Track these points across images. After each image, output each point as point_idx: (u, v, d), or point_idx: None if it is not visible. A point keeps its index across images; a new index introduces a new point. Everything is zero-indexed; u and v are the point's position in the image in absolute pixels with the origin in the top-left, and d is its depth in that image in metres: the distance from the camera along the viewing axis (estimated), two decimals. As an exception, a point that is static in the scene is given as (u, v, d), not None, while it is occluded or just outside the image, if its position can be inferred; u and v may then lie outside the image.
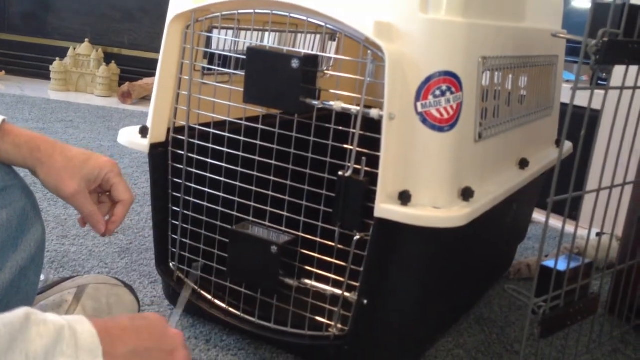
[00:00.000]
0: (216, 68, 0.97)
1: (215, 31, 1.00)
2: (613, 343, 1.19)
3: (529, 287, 1.37)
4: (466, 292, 1.19)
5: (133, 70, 3.16)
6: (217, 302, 1.00)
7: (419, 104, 0.83)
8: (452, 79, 0.84)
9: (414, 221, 0.80)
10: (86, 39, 3.10)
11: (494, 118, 1.00)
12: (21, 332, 0.45)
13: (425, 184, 0.84)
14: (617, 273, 1.22)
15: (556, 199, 0.89)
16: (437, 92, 0.83)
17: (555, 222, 1.86)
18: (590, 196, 1.07)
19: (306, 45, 1.34)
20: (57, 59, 3.06)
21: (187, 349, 0.62)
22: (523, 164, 1.10)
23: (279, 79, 0.85)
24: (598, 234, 1.65)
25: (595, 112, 1.02)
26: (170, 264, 1.04)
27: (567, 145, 1.36)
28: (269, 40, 1.12)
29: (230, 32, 1.00)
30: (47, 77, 3.08)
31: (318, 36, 1.35)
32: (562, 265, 1.01)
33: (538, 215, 1.73)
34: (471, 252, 1.06)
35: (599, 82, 1.96)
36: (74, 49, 3.09)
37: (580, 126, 1.05)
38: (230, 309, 0.99)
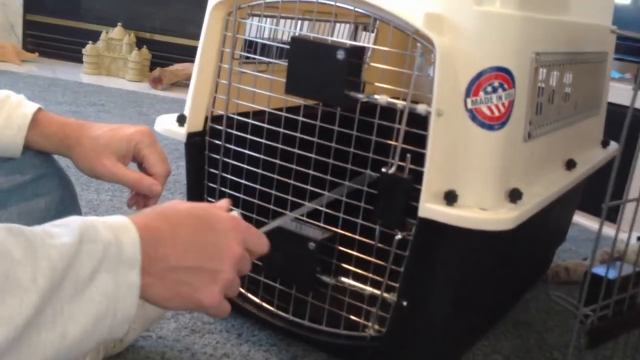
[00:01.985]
0: (257, 57, 0.94)
1: (256, 19, 0.97)
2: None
3: (569, 292, 1.33)
4: (505, 295, 1.15)
5: (164, 56, 3.15)
6: (250, 296, 0.98)
7: (469, 100, 0.79)
8: (504, 75, 0.80)
9: (460, 222, 0.77)
10: (119, 23, 3.10)
11: (543, 117, 0.95)
12: (74, 259, 0.46)
13: (472, 184, 0.80)
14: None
15: (611, 204, 0.85)
16: (489, 89, 0.79)
17: (593, 223, 1.81)
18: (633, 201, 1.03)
19: (337, 36, 1.31)
20: (90, 42, 3.07)
21: (235, 272, 0.56)
22: (570, 164, 1.06)
23: (323, 70, 0.82)
24: (639, 238, 1.60)
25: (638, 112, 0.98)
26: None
27: (615, 147, 1.31)
28: (303, 30, 1.09)
29: (269, 20, 0.97)
30: (79, 60, 3.09)
31: (348, 26, 1.32)
32: (612, 273, 0.97)
33: (576, 217, 1.68)
34: (513, 254, 1.02)
35: (644, 80, 1.90)
36: (107, 32, 3.09)
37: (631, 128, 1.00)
38: (264, 304, 0.97)
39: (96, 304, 0.46)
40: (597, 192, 1.28)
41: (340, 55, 0.80)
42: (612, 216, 1.93)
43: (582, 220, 1.78)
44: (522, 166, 0.88)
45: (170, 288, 0.52)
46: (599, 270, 0.94)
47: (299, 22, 1.10)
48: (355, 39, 1.34)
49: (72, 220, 0.48)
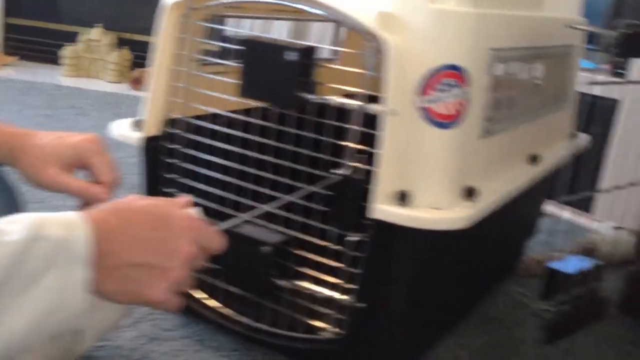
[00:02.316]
0: (211, 59, 0.93)
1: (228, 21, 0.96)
2: (623, 346, 1.14)
3: (539, 287, 1.32)
4: (470, 292, 1.14)
5: (146, 56, 3.12)
6: (210, 302, 0.97)
7: (420, 99, 0.78)
8: (458, 73, 0.79)
9: (412, 223, 0.76)
10: (99, 24, 3.07)
11: (502, 113, 0.95)
12: (22, 256, 0.48)
13: (425, 184, 0.79)
14: (630, 272, 1.17)
15: (568, 199, 0.84)
16: (441, 87, 0.78)
17: (570, 215, 1.81)
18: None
19: (317, 35, 1.30)
20: (68, 44, 3.04)
21: (187, 270, 0.57)
22: (534, 159, 1.05)
23: (275, 72, 0.80)
24: (615, 229, 1.60)
25: (613, 102, 0.97)
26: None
27: (585, 138, 1.31)
28: (279, 30, 1.08)
29: (232, 21, 0.96)
30: (58, 62, 3.07)
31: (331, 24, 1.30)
32: (571, 267, 0.97)
33: (551, 208, 1.68)
34: (475, 251, 1.01)
35: (618, 71, 1.89)
36: (86, 34, 3.06)
37: (598, 118, 1.00)
38: (223, 310, 0.96)
39: (45, 299, 0.48)
40: (573, 184, 1.28)
41: (291, 56, 0.79)
42: (586, 206, 1.93)
43: (557, 211, 1.78)
44: (479, 163, 0.88)
45: (120, 283, 0.54)
46: (557, 264, 0.94)
47: (275, 22, 1.09)
48: (337, 39, 1.33)
49: (23, 218, 0.50)
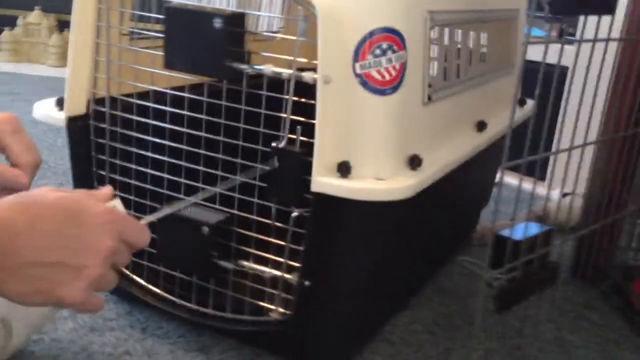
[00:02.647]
0: (137, 30, 0.87)
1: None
2: (577, 309, 1.14)
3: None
4: (423, 264, 1.12)
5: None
6: (150, 287, 0.93)
7: (357, 65, 0.74)
8: (393, 36, 0.75)
9: (354, 195, 0.73)
10: (37, 7, 2.93)
11: (445, 79, 0.92)
12: None
13: (367, 154, 0.76)
14: (580, 237, 1.17)
15: (508, 165, 0.82)
16: (377, 51, 0.75)
17: (523, 183, 1.81)
18: (558, 157, 1.02)
19: (267, 5, 1.25)
20: (7, 28, 2.90)
21: (106, 267, 0.53)
22: (481, 126, 1.03)
23: (202, 41, 0.76)
24: (564, 195, 1.60)
25: (562, 69, 0.96)
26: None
27: (530, 104, 1.29)
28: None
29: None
30: (-3, 48, 2.93)
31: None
32: (519, 234, 0.95)
33: (506, 177, 1.67)
34: (424, 222, 0.99)
35: (568, 38, 1.89)
36: (24, 17, 2.93)
37: (544, 83, 0.98)
38: (165, 295, 0.92)
39: None
40: (526, 151, 1.26)
41: (218, 23, 0.74)
42: (540, 175, 1.93)
43: (512, 180, 1.78)
44: (423, 131, 0.85)
45: (27, 284, 0.49)
46: (507, 232, 0.92)
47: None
48: (283, 9, 1.28)
49: None
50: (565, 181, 1.09)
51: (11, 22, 2.95)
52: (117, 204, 0.59)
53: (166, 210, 0.73)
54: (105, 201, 0.58)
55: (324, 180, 0.73)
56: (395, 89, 0.76)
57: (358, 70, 0.75)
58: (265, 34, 1.19)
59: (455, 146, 0.92)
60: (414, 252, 1.00)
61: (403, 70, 0.77)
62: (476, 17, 1.01)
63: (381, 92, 0.76)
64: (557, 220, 1.45)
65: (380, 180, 0.75)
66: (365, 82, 0.75)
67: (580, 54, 0.91)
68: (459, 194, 1.11)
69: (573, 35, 1.92)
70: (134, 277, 0.94)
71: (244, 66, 0.77)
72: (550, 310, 1.08)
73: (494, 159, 1.25)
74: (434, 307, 1.09)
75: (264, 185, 0.80)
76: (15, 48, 2.91)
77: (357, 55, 0.74)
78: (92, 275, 0.52)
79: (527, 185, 1.70)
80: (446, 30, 0.90)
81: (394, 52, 0.75)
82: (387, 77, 0.76)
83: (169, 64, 0.78)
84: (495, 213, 1.28)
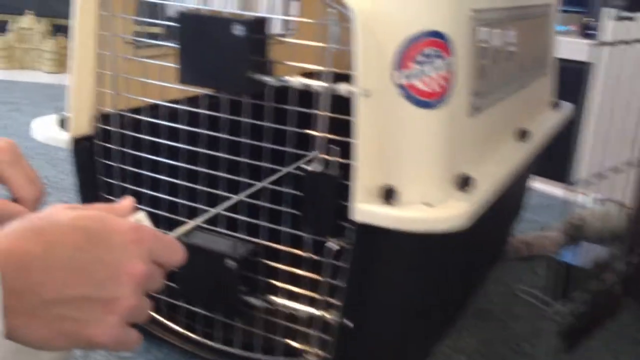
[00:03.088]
0: (144, 40, 0.78)
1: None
2: (634, 335, 1.04)
3: (530, 269, 1.22)
4: (463, 288, 1.03)
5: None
6: (170, 324, 0.84)
7: (398, 74, 0.65)
8: (439, 41, 0.66)
9: (403, 225, 0.63)
10: (30, 11, 2.83)
11: (489, 85, 0.82)
12: None
13: (413, 176, 0.67)
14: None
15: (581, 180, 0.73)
16: (422, 58, 0.65)
17: (550, 188, 1.72)
18: (586, 162, 0.92)
19: (266, 6, 1.15)
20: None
21: (139, 296, 0.45)
22: (522, 134, 0.94)
23: (220, 51, 0.66)
24: (597, 201, 1.51)
25: (586, 66, 0.87)
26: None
27: (567, 107, 1.20)
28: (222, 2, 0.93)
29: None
30: (-10, 55, 2.82)
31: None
32: (580, 258, 0.86)
33: (532, 182, 1.58)
34: (469, 244, 0.90)
35: (588, 32, 1.80)
36: (16, 22, 2.82)
37: (577, 83, 0.89)
38: (186, 333, 0.82)
39: None
40: (553, 155, 1.17)
41: (239, 30, 0.64)
42: (567, 178, 1.84)
43: (539, 185, 1.69)
44: (469, 145, 0.75)
45: (50, 326, 0.42)
46: (568, 256, 0.82)
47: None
48: (287, 10, 1.18)
49: None
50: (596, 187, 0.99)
51: (2, 28, 2.85)
52: (142, 217, 0.50)
53: (190, 225, 0.64)
54: (127, 215, 0.50)
55: (366, 208, 0.64)
56: (442, 100, 0.67)
57: (400, 81, 0.65)
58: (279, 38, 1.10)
59: (501, 160, 0.83)
60: (456, 278, 0.91)
61: (451, 79, 0.68)
62: (516, 15, 0.92)
63: (427, 105, 0.66)
64: (594, 230, 1.36)
65: (430, 207, 0.66)
66: (409, 93, 0.66)
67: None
68: (498, 209, 1.01)
69: (592, 28, 1.83)
70: (151, 313, 0.85)
71: (268, 78, 0.67)
72: (606, 336, 0.98)
73: (529, 168, 1.16)
74: (474, 334, 1.00)
75: (296, 212, 0.70)
76: (8, 54, 2.81)
77: (399, 63, 0.65)
78: (124, 307, 0.44)
79: (555, 190, 1.60)
80: (489, 30, 0.81)
81: (440, 58, 0.66)
82: (433, 88, 0.66)
83: (184, 78, 0.68)
84: (530, 222, 1.17)
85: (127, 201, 0.50)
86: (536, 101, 1.09)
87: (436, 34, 0.66)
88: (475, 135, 0.77)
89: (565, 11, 1.90)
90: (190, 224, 0.61)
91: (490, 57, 0.81)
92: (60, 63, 2.80)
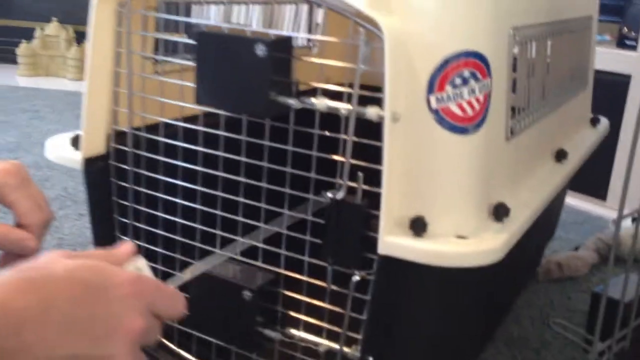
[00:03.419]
0: (159, 57, 0.74)
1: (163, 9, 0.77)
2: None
3: (562, 290, 1.16)
4: (494, 317, 0.98)
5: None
6: (182, 353, 0.80)
7: (433, 98, 0.61)
8: (476, 61, 0.61)
9: (434, 260, 0.59)
10: (54, 18, 2.84)
11: (527, 105, 0.77)
12: None
13: (445, 206, 0.62)
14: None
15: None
16: (458, 81, 0.61)
17: (582, 203, 1.65)
18: (619, 174, 0.86)
19: (290, 21, 1.12)
20: (24, 41, 2.81)
21: (135, 353, 0.42)
22: (560, 155, 0.88)
23: (241, 72, 0.62)
24: (634, 219, 1.44)
25: (623, 78, 0.81)
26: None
27: (604, 123, 1.14)
28: (239, 17, 0.89)
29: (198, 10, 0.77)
30: (15, 61, 2.84)
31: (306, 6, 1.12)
32: (618, 290, 0.80)
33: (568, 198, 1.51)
34: (502, 274, 0.84)
35: (625, 42, 1.73)
36: (42, 29, 2.83)
37: (612, 95, 0.83)
38: (200, 363, 0.78)
39: None
40: (584, 168, 1.11)
41: (261, 50, 0.60)
42: (601, 193, 1.76)
43: (571, 201, 1.62)
44: (505, 171, 0.70)
45: None
46: (608, 289, 0.77)
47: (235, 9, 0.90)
48: (311, 26, 1.15)
49: None
50: (628, 200, 0.93)
51: (28, 35, 2.85)
52: (141, 264, 0.47)
53: (200, 268, 0.60)
54: (127, 261, 0.47)
55: (394, 241, 0.59)
56: (478, 125, 0.62)
57: (434, 105, 0.61)
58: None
59: (538, 185, 0.77)
60: (486, 308, 0.86)
61: (487, 102, 0.63)
62: (556, 29, 0.86)
63: (462, 130, 0.61)
64: (629, 249, 1.29)
65: (463, 240, 0.61)
66: (443, 118, 0.61)
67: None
68: (532, 234, 0.96)
69: (630, 38, 1.76)
70: (163, 340, 0.81)
71: (291, 101, 0.63)
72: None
73: (566, 187, 1.10)
74: (505, 363, 0.94)
75: (317, 241, 0.66)
76: (34, 62, 2.82)
77: (433, 86, 0.60)
78: None
79: (589, 206, 1.53)
80: (529, 47, 0.76)
81: (477, 80, 0.61)
82: (469, 112, 0.61)
83: (201, 99, 0.65)
84: (561, 241, 1.12)
85: (127, 246, 0.47)
86: (575, 118, 1.03)
87: (474, 54, 0.61)
88: (512, 159, 0.72)
89: (600, 20, 1.84)
90: (193, 270, 0.57)
91: (528, 76, 0.76)
92: (84, 70, 2.80)
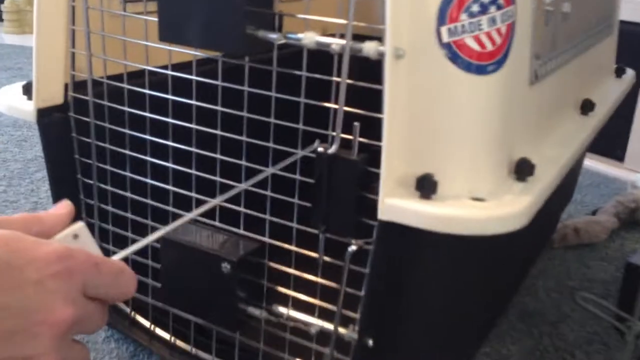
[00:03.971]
0: (122, -12, 0.63)
1: None
2: None
3: (579, 259, 1.07)
4: (507, 288, 0.88)
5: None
6: (157, 332, 0.71)
7: (444, 30, 0.50)
8: (498, -16, 0.50)
9: (445, 227, 0.49)
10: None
11: (552, 46, 0.66)
12: None
13: (458, 162, 0.52)
14: None
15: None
16: (475, 8, 0.49)
17: (598, 164, 1.54)
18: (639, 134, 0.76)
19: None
20: (9, -4, 2.67)
21: (64, 349, 0.34)
22: (586, 107, 0.78)
23: (212, 2, 0.51)
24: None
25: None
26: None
27: (630, 74, 1.03)
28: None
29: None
30: (0, 18, 2.71)
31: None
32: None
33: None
34: (517, 241, 0.74)
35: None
36: (27, -17, 2.69)
37: (634, 50, 0.72)
38: (177, 342, 0.69)
39: None
40: (604, 128, 1.00)
41: (234, -28, 0.49)
42: (618, 154, 1.64)
43: (588, 162, 1.51)
44: (528, 122, 0.60)
45: None
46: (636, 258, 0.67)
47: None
48: None
49: None
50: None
51: (13, -10, 2.71)
52: (81, 230, 0.37)
53: (157, 234, 0.50)
54: (57, 230, 0.37)
55: (397, 204, 0.49)
56: (499, 63, 0.51)
57: (446, 38, 0.50)
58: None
59: (564, 139, 0.67)
60: (500, 279, 0.76)
61: (511, 36, 0.52)
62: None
63: (481, 70, 0.51)
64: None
65: (479, 202, 0.51)
66: (457, 54, 0.50)
67: None
68: (553, 197, 0.86)
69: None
70: (137, 317, 0.72)
71: (274, 35, 0.52)
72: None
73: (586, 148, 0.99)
74: (520, 340, 0.85)
75: (307, 204, 0.56)
76: (19, 18, 2.69)
77: (444, 15, 0.49)
78: None
79: (606, 167, 1.42)
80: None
81: (499, 7, 0.50)
82: (489, 47, 0.51)
83: (164, 34, 0.54)
84: (577, 204, 1.02)
85: (62, 208, 0.37)
86: (600, 67, 0.92)
87: (493, -24, 0.50)
88: (536, 108, 0.61)
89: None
90: (163, 229, 0.47)
91: (553, 12, 0.65)
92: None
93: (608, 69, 0.99)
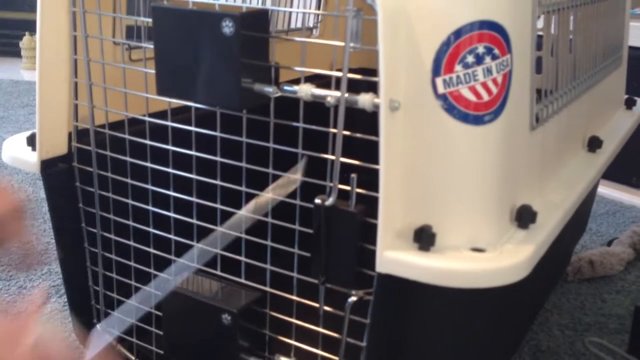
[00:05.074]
0: (122, 41, 0.64)
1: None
2: None
3: (596, 292, 1.04)
4: (517, 329, 0.87)
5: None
6: (161, 381, 0.70)
7: (439, 81, 0.49)
8: (494, 34, 0.50)
9: (443, 279, 0.48)
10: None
11: (554, 87, 0.66)
12: None
13: (457, 212, 0.51)
14: None
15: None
16: (470, 59, 0.49)
17: (613, 192, 1.52)
18: None
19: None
20: (27, 33, 2.73)
21: None
22: (594, 144, 0.77)
23: (207, 56, 0.51)
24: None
25: None
26: (97, 326, 0.74)
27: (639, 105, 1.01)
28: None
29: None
30: (19, 55, 2.76)
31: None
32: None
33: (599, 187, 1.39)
34: (526, 285, 0.73)
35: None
36: (44, 20, 2.75)
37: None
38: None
39: None
40: (619, 155, 0.98)
41: (228, 27, 0.50)
42: (633, 181, 1.62)
43: (602, 189, 1.49)
44: (529, 168, 0.59)
45: None
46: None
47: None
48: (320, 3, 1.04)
49: None
50: None
51: (31, 27, 2.77)
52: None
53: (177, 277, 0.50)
54: (36, 314, 0.37)
55: (395, 257, 0.49)
56: (497, 112, 0.51)
57: (441, 89, 0.49)
58: (295, 38, 0.95)
59: (569, 180, 0.66)
60: (507, 326, 0.75)
61: (507, 84, 0.51)
62: (586, -2, 0.74)
63: (476, 120, 0.50)
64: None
65: (480, 253, 0.50)
66: (452, 105, 0.50)
67: None
68: (563, 236, 0.85)
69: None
70: (139, 364, 0.72)
71: (269, 89, 0.52)
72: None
73: (598, 181, 0.98)
74: (532, 380, 0.83)
75: (306, 254, 0.56)
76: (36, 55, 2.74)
77: (439, 66, 0.49)
78: None
79: (621, 195, 1.40)
80: (555, 18, 0.64)
81: (494, 57, 0.50)
82: (485, 97, 0.50)
83: (162, 90, 0.54)
84: (591, 234, 1.00)
85: (38, 295, 0.37)
86: (608, 100, 0.91)
87: (491, 25, 0.50)
88: (538, 152, 0.60)
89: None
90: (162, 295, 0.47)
91: (556, 53, 0.65)
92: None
93: (617, 102, 0.98)
